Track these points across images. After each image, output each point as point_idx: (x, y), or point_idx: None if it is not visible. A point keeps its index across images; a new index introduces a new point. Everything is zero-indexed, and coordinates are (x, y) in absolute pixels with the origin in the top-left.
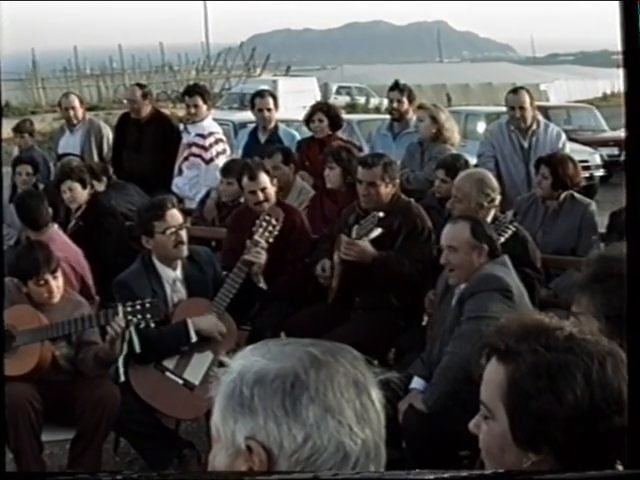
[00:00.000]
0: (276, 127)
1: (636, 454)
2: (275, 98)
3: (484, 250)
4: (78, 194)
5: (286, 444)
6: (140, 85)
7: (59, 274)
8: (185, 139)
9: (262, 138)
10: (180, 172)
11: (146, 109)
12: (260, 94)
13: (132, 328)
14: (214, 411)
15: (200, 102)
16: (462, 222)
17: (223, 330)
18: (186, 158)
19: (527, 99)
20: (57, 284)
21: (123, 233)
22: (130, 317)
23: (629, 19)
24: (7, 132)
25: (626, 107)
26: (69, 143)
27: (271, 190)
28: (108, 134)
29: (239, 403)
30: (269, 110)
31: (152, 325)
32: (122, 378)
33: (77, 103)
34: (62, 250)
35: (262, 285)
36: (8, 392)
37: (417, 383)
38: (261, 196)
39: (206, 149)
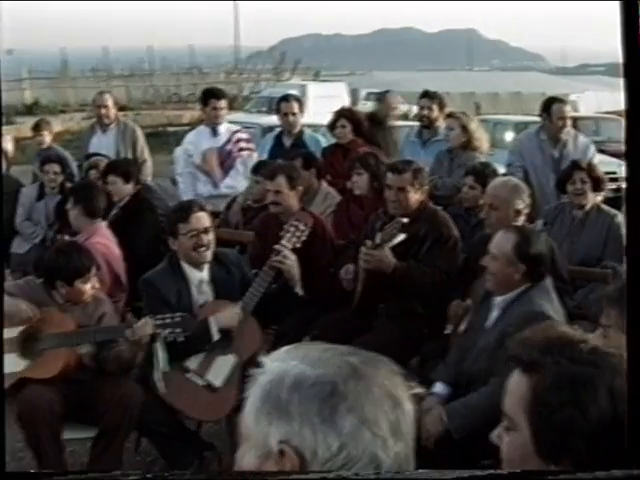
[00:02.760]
0: (301, 132)
1: (636, 454)
2: (301, 103)
3: (520, 269)
4: (120, 188)
5: (320, 452)
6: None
7: (92, 276)
8: (216, 141)
9: (287, 142)
10: (226, 173)
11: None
12: (285, 98)
13: (160, 341)
14: (246, 410)
15: (225, 104)
16: (511, 234)
17: (240, 318)
18: (235, 156)
19: (567, 109)
20: (88, 287)
21: (158, 230)
22: (160, 330)
23: (629, 19)
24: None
25: (627, 106)
26: (101, 143)
27: (287, 195)
28: (141, 135)
29: (275, 406)
30: (294, 114)
31: (181, 338)
32: (162, 391)
33: (111, 102)
34: (103, 243)
35: (298, 290)
36: (28, 395)
37: (439, 388)
38: (273, 197)
39: (249, 140)
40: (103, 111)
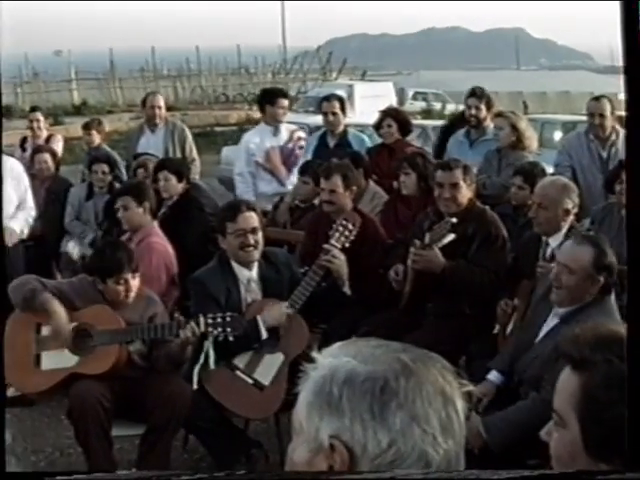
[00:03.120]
0: (345, 131)
1: (636, 454)
2: (343, 102)
3: (599, 283)
4: (172, 186)
5: (370, 447)
6: None
7: (138, 274)
8: (278, 140)
9: (331, 142)
10: (290, 170)
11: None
12: (327, 98)
13: (210, 340)
14: (298, 404)
15: (287, 103)
16: (587, 246)
17: (289, 311)
18: (297, 154)
19: (608, 107)
20: (135, 283)
21: (207, 228)
22: (211, 329)
23: (629, 19)
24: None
25: (627, 105)
26: (150, 143)
27: (342, 195)
28: (189, 135)
29: (327, 401)
30: (334, 114)
31: (231, 338)
32: (195, 386)
33: (162, 103)
34: (161, 243)
35: (346, 290)
36: (78, 390)
37: (494, 376)
38: (328, 196)
39: (307, 139)
40: (156, 111)
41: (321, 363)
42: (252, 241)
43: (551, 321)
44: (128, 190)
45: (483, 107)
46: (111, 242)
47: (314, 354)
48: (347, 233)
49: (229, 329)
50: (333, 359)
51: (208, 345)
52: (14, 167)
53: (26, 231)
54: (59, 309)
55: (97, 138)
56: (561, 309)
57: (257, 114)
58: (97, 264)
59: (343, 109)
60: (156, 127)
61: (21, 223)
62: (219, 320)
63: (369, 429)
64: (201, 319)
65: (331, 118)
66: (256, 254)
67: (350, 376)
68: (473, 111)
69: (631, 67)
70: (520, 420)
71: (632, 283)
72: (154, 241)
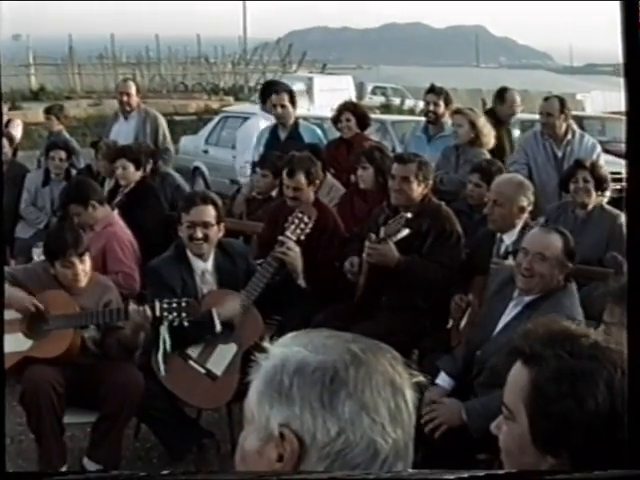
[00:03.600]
0: (296, 124)
1: (636, 454)
2: (292, 94)
3: (567, 269)
4: (130, 174)
5: (319, 436)
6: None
7: (87, 258)
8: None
9: (282, 135)
10: None
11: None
12: (276, 91)
13: (165, 325)
14: (250, 393)
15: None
16: (556, 234)
17: (249, 326)
18: None
19: (557, 107)
20: (83, 267)
21: (163, 216)
22: (165, 314)
23: (629, 19)
24: (41, 116)
25: (627, 106)
26: (122, 130)
27: (306, 191)
28: (163, 124)
29: (277, 390)
30: (283, 107)
31: (185, 323)
32: (163, 373)
33: (133, 90)
34: (124, 231)
35: (301, 282)
36: (31, 374)
37: (443, 380)
38: (292, 193)
39: None
40: (125, 98)
41: (272, 353)
42: (200, 234)
43: (512, 311)
44: (71, 198)
45: (441, 103)
46: (59, 225)
47: (266, 344)
48: (302, 226)
49: (184, 314)
50: (284, 349)
51: (163, 330)
52: None
53: None
54: (14, 290)
55: (58, 124)
56: (527, 297)
57: (215, 104)
58: (45, 246)
59: (292, 102)
60: (129, 114)
61: None
62: (174, 305)
63: (318, 418)
64: (157, 303)
65: (280, 111)
66: (205, 247)
67: (301, 365)
68: (431, 107)
69: (631, 67)
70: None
71: (632, 283)
72: (115, 230)
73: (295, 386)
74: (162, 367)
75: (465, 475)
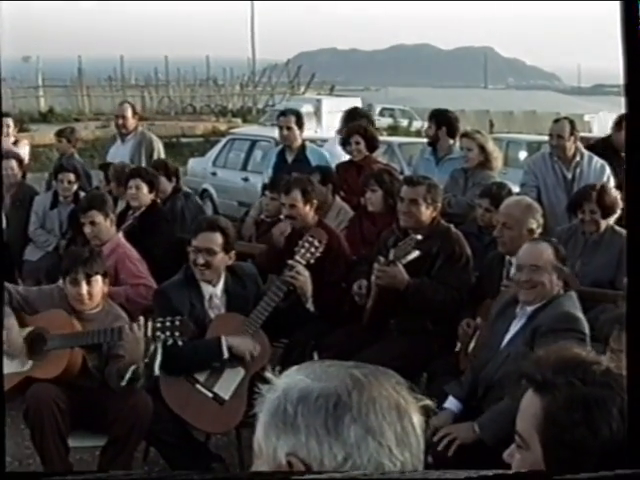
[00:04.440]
0: (303, 146)
1: (636, 454)
2: (299, 117)
3: (564, 274)
4: (142, 195)
5: (326, 462)
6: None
7: (97, 280)
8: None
9: (289, 157)
10: None
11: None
12: (283, 112)
13: (159, 345)
14: (257, 427)
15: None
16: (545, 243)
17: (256, 352)
18: None
19: (567, 129)
20: (90, 289)
21: (173, 240)
22: (158, 333)
23: (629, 19)
24: (50, 138)
25: (626, 104)
26: (119, 152)
27: (302, 209)
28: (159, 147)
29: (282, 420)
30: (289, 129)
31: (179, 342)
32: (157, 372)
33: (129, 113)
34: (134, 253)
35: (309, 306)
36: (34, 392)
37: (451, 404)
38: (288, 211)
39: None
40: (120, 121)
41: (276, 384)
42: (201, 261)
43: (515, 326)
44: (93, 204)
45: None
46: (73, 243)
47: (269, 375)
48: (313, 250)
49: (177, 333)
50: (287, 379)
51: (156, 348)
52: None
53: None
54: (12, 324)
55: (69, 147)
56: (530, 307)
57: (223, 126)
58: (58, 266)
59: (299, 124)
60: (125, 137)
61: None
62: (167, 324)
63: (324, 444)
64: (149, 323)
65: (285, 132)
66: (207, 273)
67: (304, 394)
68: (431, 132)
69: (631, 67)
70: (511, 407)
71: (632, 284)
72: (126, 251)
73: (299, 415)
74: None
75: (474, 475)
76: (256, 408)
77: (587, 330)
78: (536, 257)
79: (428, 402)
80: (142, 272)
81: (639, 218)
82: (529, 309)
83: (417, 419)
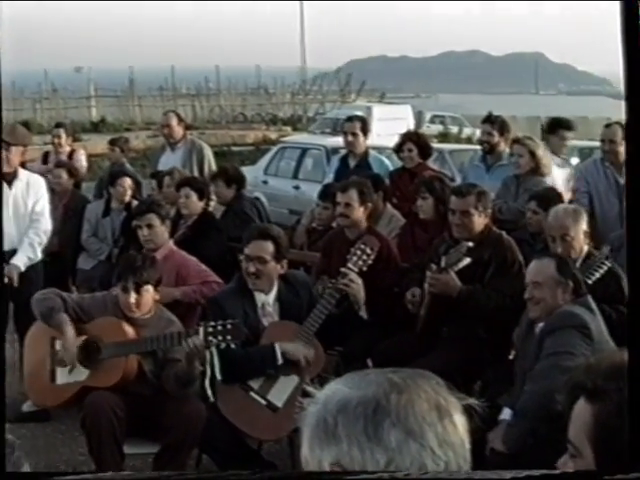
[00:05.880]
0: (366, 153)
1: (636, 454)
2: (364, 123)
3: (569, 287)
4: (192, 203)
5: (369, 468)
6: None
7: (148, 289)
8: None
9: (352, 163)
10: None
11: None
12: (349, 118)
13: (214, 350)
14: (302, 442)
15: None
16: (548, 258)
17: (310, 357)
18: None
19: (619, 133)
20: (140, 298)
21: (224, 249)
22: (210, 338)
23: (629, 19)
24: (101, 147)
25: (627, 107)
26: (169, 161)
27: (356, 210)
28: (209, 155)
29: (324, 431)
30: (354, 135)
31: (232, 346)
32: (211, 399)
33: (174, 121)
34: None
35: (362, 313)
36: (92, 400)
37: (507, 414)
38: (343, 209)
39: None
40: (166, 130)
41: (317, 397)
42: (252, 269)
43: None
44: (151, 208)
45: (496, 133)
46: (127, 252)
47: (309, 388)
48: (365, 257)
49: (229, 337)
50: (326, 391)
51: (212, 355)
52: (34, 182)
53: (37, 250)
54: (69, 332)
55: (122, 156)
56: (540, 324)
57: (274, 134)
58: (112, 273)
59: (364, 130)
60: (175, 146)
61: (27, 251)
62: (219, 328)
63: (366, 450)
64: (200, 328)
65: (350, 138)
66: (258, 282)
67: (342, 403)
68: (485, 137)
69: (631, 67)
70: (525, 406)
71: (632, 284)
72: (184, 255)
73: (340, 424)
74: (209, 393)
75: (522, 475)
76: (299, 422)
77: (592, 326)
78: (536, 274)
79: (470, 400)
80: (208, 270)
81: (639, 218)
82: (540, 325)
83: (459, 418)
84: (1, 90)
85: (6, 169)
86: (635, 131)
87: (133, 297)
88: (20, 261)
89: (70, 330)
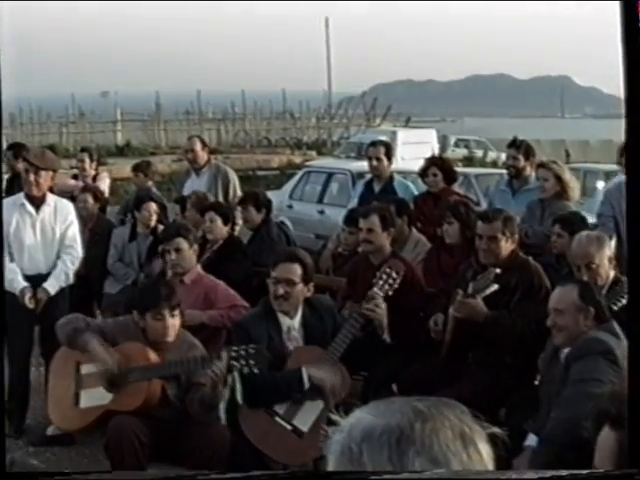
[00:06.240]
0: (391, 178)
1: (636, 454)
2: (388, 148)
3: (590, 314)
4: (217, 227)
5: None
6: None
7: (177, 313)
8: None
9: (376, 188)
10: None
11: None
12: (373, 143)
13: (236, 374)
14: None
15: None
16: (571, 285)
17: (336, 382)
18: None
19: None
20: (174, 322)
21: (249, 273)
22: (234, 362)
23: (629, 19)
24: (126, 171)
25: (627, 107)
26: (194, 185)
27: (379, 235)
28: (234, 179)
29: (349, 459)
30: (378, 159)
31: (256, 371)
32: (223, 422)
33: (198, 146)
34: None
35: (386, 337)
36: (115, 424)
37: (532, 440)
38: (365, 235)
39: None
40: (190, 155)
41: (341, 425)
42: (281, 291)
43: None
44: (179, 232)
45: (521, 157)
46: (153, 278)
47: (334, 417)
48: (391, 281)
49: (252, 361)
50: (351, 419)
51: (234, 379)
52: (62, 207)
53: (70, 277)
54: (99, 348)
55: (146, 180)
56: (565, 350)
57: (298, 159)
58: (137, 298)
59: (388, 155)
60: (200, 170)
61: (59, 278)
62: (242, 352)
63: None
64: (224, 353)
65: (375, 163)
66: (286, 305)
67: (367, 432)
68: (510, 161)
69: (631, 67)
70: (551, 432)
71: (632, 284)
72: (212, 279)
73: (365, 453)
74: (223, 417)
75: (548, 475)
76: (324, 451)
77: (618, 352)
78: (558, 301)
79: (495, 430)
80: (236, 295)
81: (639, 218)
82: (565, 351)
83: (484, 447)
84: (2, 110)
85: (35, 193)
86: (634, 132)
87: (169, 322)
88: (52, 287)
89: (96, 342)
